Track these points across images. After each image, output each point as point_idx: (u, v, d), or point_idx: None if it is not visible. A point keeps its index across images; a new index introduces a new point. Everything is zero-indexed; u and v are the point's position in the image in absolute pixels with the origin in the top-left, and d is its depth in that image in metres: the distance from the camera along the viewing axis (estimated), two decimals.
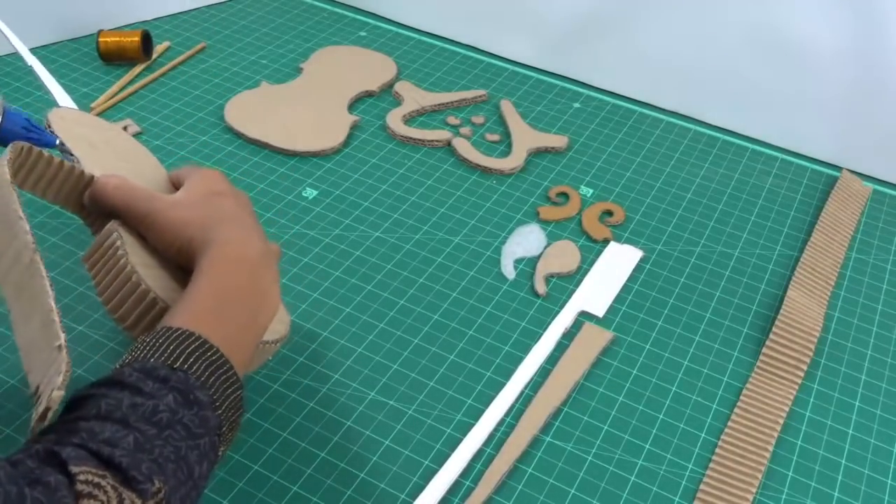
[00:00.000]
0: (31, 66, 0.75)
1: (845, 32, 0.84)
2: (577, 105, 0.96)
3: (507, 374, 0.65)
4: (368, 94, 0.95)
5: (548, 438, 0.61)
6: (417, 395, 0.63)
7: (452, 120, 0.92)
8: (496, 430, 0.61)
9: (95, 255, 0.51)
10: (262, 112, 0.89)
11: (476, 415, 0.62)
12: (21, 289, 0.46)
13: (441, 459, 0.59)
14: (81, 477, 0.35)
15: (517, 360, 0.66)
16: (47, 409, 0.39)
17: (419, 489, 0.57)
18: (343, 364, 0.65)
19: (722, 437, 0.62)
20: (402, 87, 0.95)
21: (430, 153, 0.88)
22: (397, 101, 0.94)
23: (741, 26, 0.89)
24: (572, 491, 0.58)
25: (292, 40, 1.03)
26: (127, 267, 0.49)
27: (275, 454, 0.59)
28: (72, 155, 0.54)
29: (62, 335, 0.42)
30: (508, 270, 0.74)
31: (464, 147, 0.87)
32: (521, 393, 0.64)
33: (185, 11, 1.06)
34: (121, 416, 0.39)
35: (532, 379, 0.65)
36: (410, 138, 0.88)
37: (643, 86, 0.97)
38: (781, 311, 0.70)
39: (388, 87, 0.96)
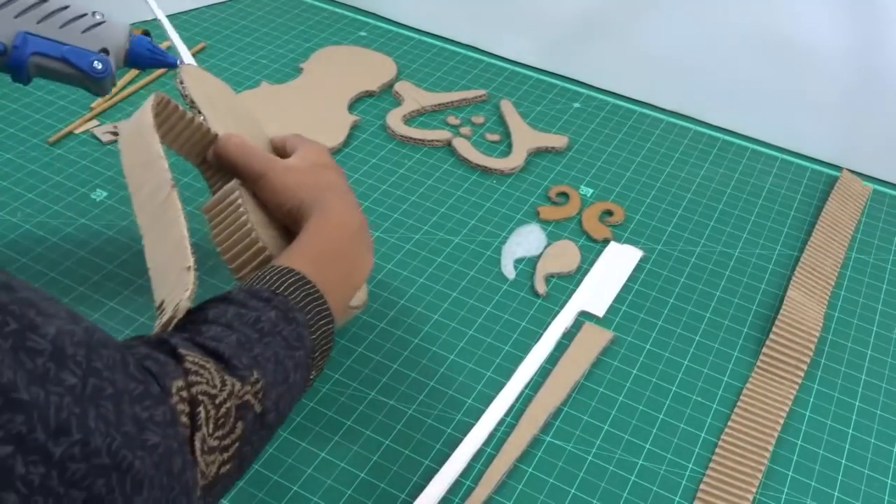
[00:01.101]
0: (158, 20, 0.77)
1: (845, 32, 0.84)
2: (577, 105, 0.96)
3: (507, 374, 0.65)
4: (368, 94, 0.95)
5: (548, 438, 0.61)
6: (417, 395, 0.63)
7: (452, 120, 0.92)
8: (496, 430, 0.61)
9: (217, 209, 0.54)
10: (262, 112, 0.89)
11: (476, 415, 0.62)
12: (156, 220, 0.50)
13: (441, 459, 0.59)
14: (189, 358, 0.38)
15: (517, 360, 0.66)
16: (172, 318, 0.43)
17: (419, 489, 0.57)
18: (343, 364, 0.65)
19: (722, 437, 0.62)
20: (402, 87, 0.95)
21: (430, 153, 0.88)
22: (397, 101, 0.94)
23: (741, 26, 0.89)
24: (572, 491, 0.58)
25: (292, 40, 1.03)
26: (247, 224, 0.53)
27: (275, 454, 0.59)
28: (200, 112, 0.58)
29: (191, 258, 0.46)
30: (508, 270, 0.74)
31: (464, 147, 0.87)
32: (521, 393, 0.64)
33: (185, 11, 1.06)
34: (226, 321, 0.42)
35: (532, 379, 0.65)
36: (410, 138, 0.88)
37: (643, 86, 0.97)
38: (781, 311, 0.70)
39: (388, 87, 0.96)
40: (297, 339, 0.45)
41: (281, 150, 0.62)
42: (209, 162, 0.58)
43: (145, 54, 0.65)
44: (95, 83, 0.62)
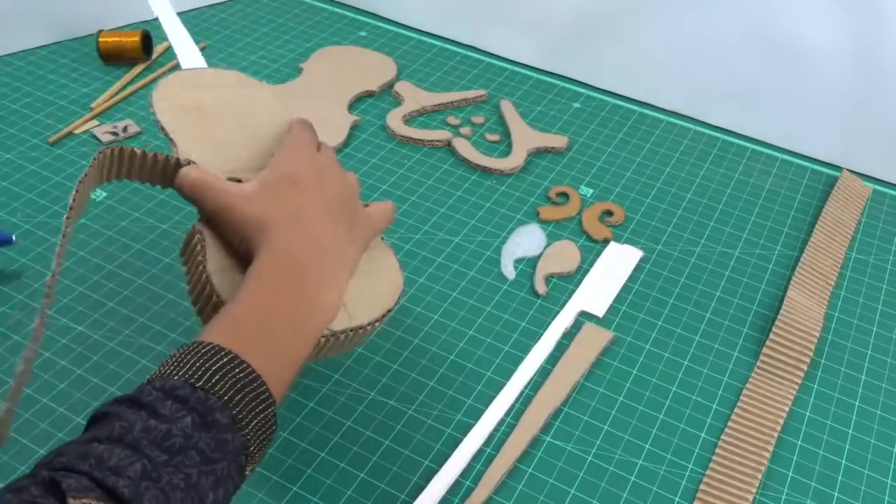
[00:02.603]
0: (156, 16, 0.70)
1: (845, 32, 0.84)
2: (577, 105, 0.96)
3: (507, 374, 0.65)
4: (368, 94, 0.95)
5: (548, 438, 0.61)
6: (417, 395, 0.63)
7: (452, 120, 0.92)
8: (496, 430, 0.61)
9: (185, 255, 0.51)
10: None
11: (476, 415, 0.62)
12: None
13: (441, 459, 0.59)
14: None
15: (517, 360, 0.66)
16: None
17: (419, 489, 0.57)
18: (343, 364, 0.65)
19: (722, 437, 0.62)
20: (402, 87, 0.95)
21: (430, 153, 0.88)
22: (397, 101, 0.94)
23: (741, 26, 0.89)
24: (572, 491, 0.58)
25: (292, 40, 1.03)
26: (203, 275, 0.49)
27: (275, 454, 0.59)
28: (170, 138, 0.53)
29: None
30: (508, 270, 0.74)
31: (464, 147, 0.87)
32: (521, 393, 0.64)
33: (185, 11, 1.06)
34: (132, 440, 0.38)
35: (532, 379, 0.65)
36: (410, 138, 0.88)
37: (643, 86, 0.97)
38: (781, 311, 0.70)
39: (388, 87, 0.96)
40: (218, 447, 0.40)
41: None
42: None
43: None
44: None
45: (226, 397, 0.41)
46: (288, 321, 0.47)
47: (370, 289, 0.54)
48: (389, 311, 0.54)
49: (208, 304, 0.50)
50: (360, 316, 0.52)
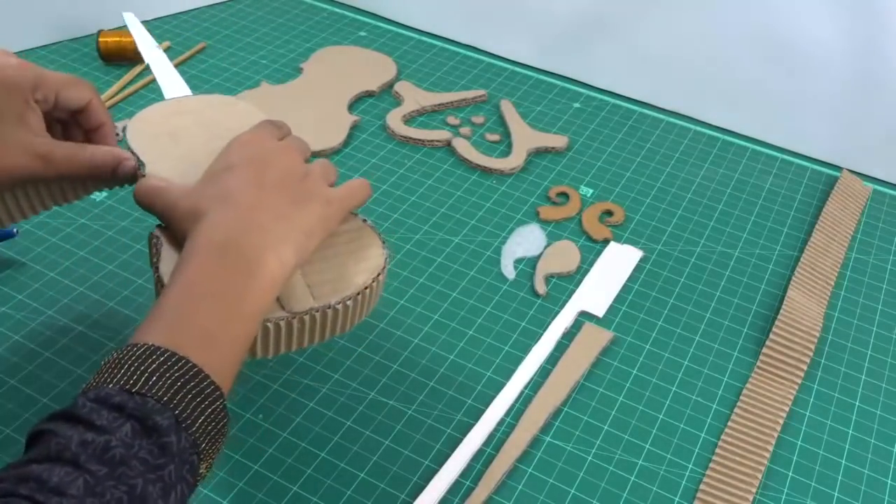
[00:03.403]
0: (147, 63, 0.71)
1: (845, 32, 0.84)
2: (577, 105, 0.96)
3: (507, 374, 0.65)
4: (368, 94, 0.95)
5: (548, 438, 0.61)
6: (417, 395, 0.63)
7: (452, 120, 0.92)
8: (496, 430, 0.61)
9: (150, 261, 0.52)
10: (262, 112, 0.89)
11: (476, 415, 0.62)
12: None
13: (441, 459, 0.59)
14: None
15: (517, 360, 0.66)
16: None
17: (419, 489, 0.57)
18: (343, 364, 0.65)
19: (722, 437, 0.62)
20: (402, 87, 0.95)
21: (430, 153, 0.88)
22: (397, 101, 0.94)
23: (741, 26, 0.89)
24: (572, 491, 0.58)
25: (292, 40, 1.03)
26: (157, 275, 0.50)
27: (275, 454, 0.59)
28: (141, 161, 0.55)
29: None
30: (508, 270, 0.74)
31: (464, 147, 0.87)
32: (521, 393, 0.64)
33: (185, 11, 1.06)
34: (70, 455, 0.36)
35: (532, 379, 0.65)
36: (410, 138, 0.88)
37: (643, 86, 0.97)
38: (781, 311, 0.70)
39: (388, 87, 0.96)
40: (161, 452, 0.38)
41: None
42: None
43: None
44: None
45: (165, 398, 0.39)
46: (221, 299, 0.45)
47: (342, 268, 0.52)
48: (366, 288, 0.52)
49: None
50: (326, 296, 0.50)
